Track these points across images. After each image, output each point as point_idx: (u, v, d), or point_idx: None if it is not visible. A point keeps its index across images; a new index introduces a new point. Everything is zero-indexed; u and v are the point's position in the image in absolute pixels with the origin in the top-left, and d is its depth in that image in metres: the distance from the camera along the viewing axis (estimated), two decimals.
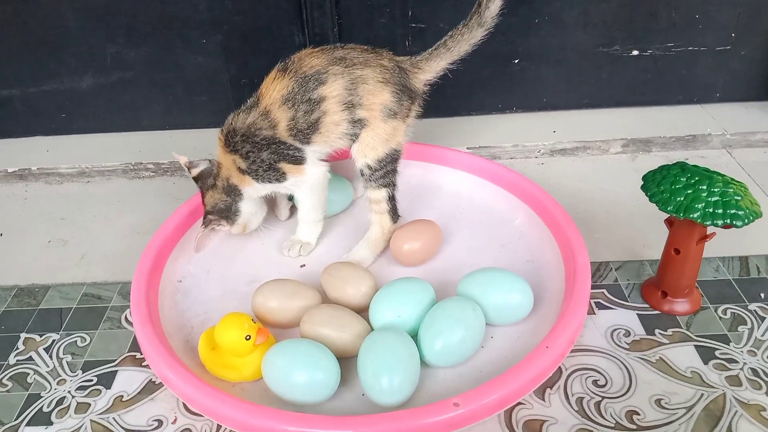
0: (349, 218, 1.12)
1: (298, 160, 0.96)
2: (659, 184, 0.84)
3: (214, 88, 1.33)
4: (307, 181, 0.98)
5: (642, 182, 0.87)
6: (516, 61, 1.30)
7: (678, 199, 0.81)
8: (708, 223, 0.80)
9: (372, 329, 0.85)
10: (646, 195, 0.85)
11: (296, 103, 0.93)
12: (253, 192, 0.99)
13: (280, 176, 0.97)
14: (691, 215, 0.80)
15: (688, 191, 0.81)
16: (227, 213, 1.00)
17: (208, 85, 1.33)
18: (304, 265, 1.02)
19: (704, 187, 0.81)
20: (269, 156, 0.95)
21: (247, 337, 0.80)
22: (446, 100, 1.35)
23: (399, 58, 1.00)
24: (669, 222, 0.88)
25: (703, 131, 1.27)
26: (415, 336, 0.83)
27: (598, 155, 1.27)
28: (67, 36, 1.26)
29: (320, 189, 1.01)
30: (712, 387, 0.80)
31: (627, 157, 1.27)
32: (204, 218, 1.01)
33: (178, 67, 1.30)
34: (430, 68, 1.02)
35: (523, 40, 1.27)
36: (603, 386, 0.81)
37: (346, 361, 0.82)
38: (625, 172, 1.23)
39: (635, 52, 1.29)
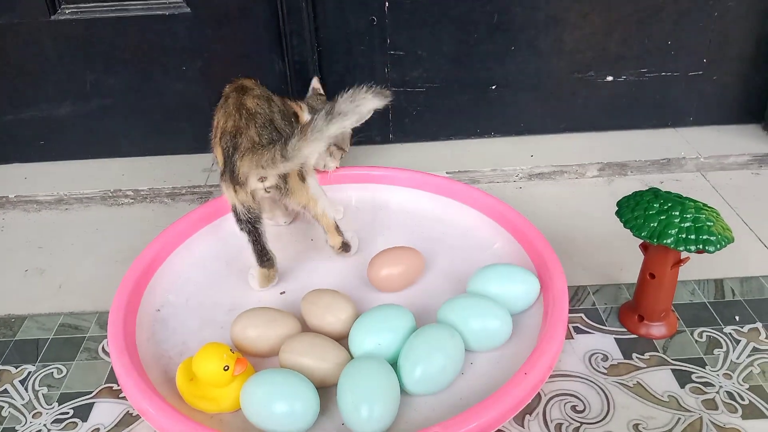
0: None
1: None
2: (633, 210, 0.86)
3: (194, 114, 1.33)
4: None
5: (617, 208, 0.89)
6: (493, 87, 1.32)
7: (651, 225, 0.83)
8: (681, 248, 0.81)
9: (352, 357, 0.85)
10: (621, 221, 0.86)
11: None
12: None
13: None
14: (665, 241, 0.81)
15: (662, 217, 0.83)
16: None
17: (188, 111, 1.33)
18: (283, 293, 1.02)
19: (677, 213, 0.82)
20: None
21: (226, 368, 0.79)
22: (425, 125, 1.36)
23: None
24: (644, 247, 0.90)
25: (678, 155, 1.30)
26: (394, 364, 0.83)
27: (574, 179, 1.29)
28: (46, 63, 1.26)
29: None
30: (689, 411, 0.81)
31: (603, 180, 1.29)
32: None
33: (158, 93, 1.31)
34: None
35: (500, 66, 1.29)
36: (581, 411, 0.81)
37: (327, 390, 0.82)
38: (601, 195, 1.24)
39: (609, 78, 1.32)
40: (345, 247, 1.05)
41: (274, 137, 0.96)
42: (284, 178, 0.98)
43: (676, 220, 0.82)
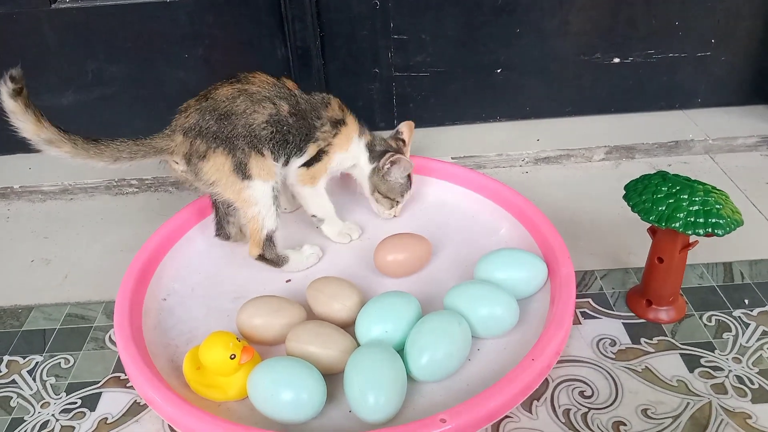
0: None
1: None
2: (641, 194, 0.84)
3: None
4: None
5: (624, 192, 0.88)
6: (498, 70, 1.30)
7: (660, 208, 0.82)
8: (690, 232, 0.80)
9: (358, 345, 0.85)
10: (629, 205, 0.85)
11: None
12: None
13: None
14: (673, 225, 0.80)
15: (670, 200, 0.82)
16: None
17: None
18: (289, 280, 1.01)
19: (685, 197, 0.81)
20: None
21: (232, 356, 0.79)
22: (430, 110, 1.35)
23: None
24: (652, 231, 0.89)
25: (686, 137, 1.28)
26: (401, 351, 0.83)
27: (581, 163, 1.28)
28: (47, 52, 1.26)
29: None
30: (698, 395, 0.80)
31: (610, 164, 1.27)
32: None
33: (160, 82, 1.30)
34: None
35: (505, 49, 1.28)
36: (589, 397, 0.81)
37: (333, 377, 0.82)
38: (608, 179, 1.23)
39: (616, 60, 1.30)
40: (265, 260, 0.99)
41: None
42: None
43: (684, 204, 0.81)
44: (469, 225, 1.10)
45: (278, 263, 1.00)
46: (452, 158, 1.26)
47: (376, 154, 1.07)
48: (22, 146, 1.34)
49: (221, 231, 1.05)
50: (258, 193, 0.95)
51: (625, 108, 1.35)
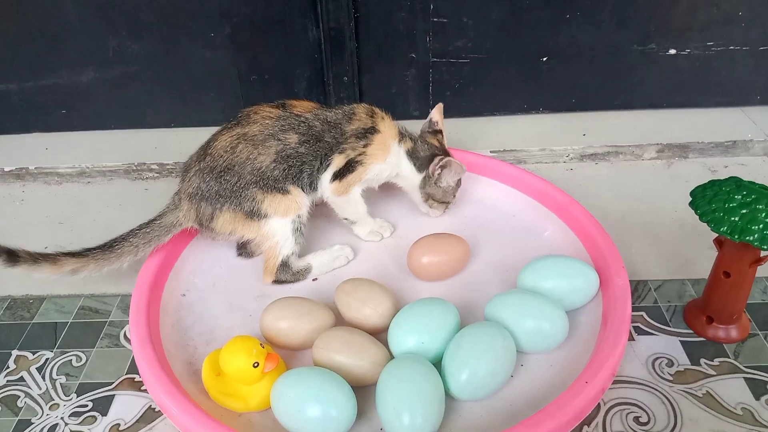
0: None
1: None
2: (710, 202, 0.76)
3: (222, 83, 1.25)
4: None
5: (690, 198, 0.80)
6: (544, 58, 1.21)
7: (732, 219, 0.73)
8: (766, 246, 0.72)
9: (391, 355, 0.78)
10: (696, 213, 0.77)
11: None
12: None
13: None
14: (748, 238, 0.72)
15: (744, 211, 0.73)
16: None
17: (216, 80, 1.25)
18: (316, 279, 0.94)
19: (762, 207, 0.73)
20: None
21: (256, 364, 0.73)
22: (468, 99, 1.27)
23: None
24: (718, 242, 0.80)
25: (744, 137, 1.19)
26: (437, 364, 0.76)
27: (630, 161, 1.19)
28: (68, 28, 1.19)
29: None
30: (766, 426, 0.72)
31: (662, 163, 1.19)
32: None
33: (184, 61, 1.23)
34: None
35: (553, 36, 1.19)
36: (645, 424, 0.73)
37: (363, 390, 0.75)
38: (660, 179, 1.14)
39: (672, 51, 1.21)
40: (281, 282, 0.93)
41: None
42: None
43: (761, 215, 0.72)
44: (509, 225, 1.02)
45: (299, 279, 0.94)
46: (491, 152, 1.18)
47: (422, 161, 0.98)
48: (38, 124, 1.30)
49: (243, 251, 0.98)
50: (275, 228, 0.90)
51: (678, 103, 1.26)
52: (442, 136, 1.03)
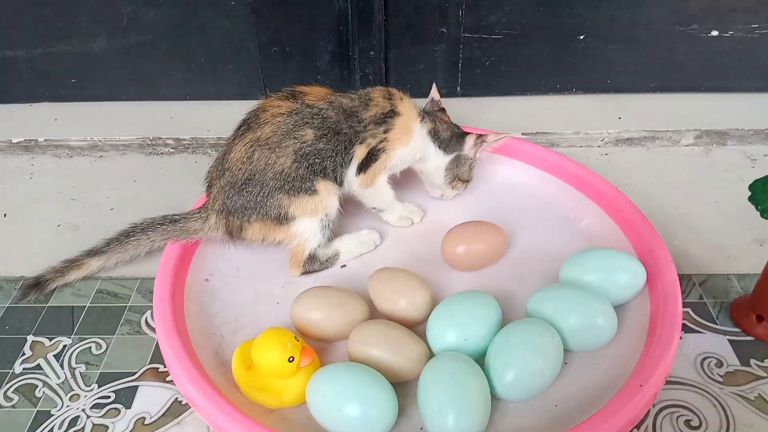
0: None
1: None
2: None
3: (240, 56, 1.19)
4: None
5: (749, 192, 0.75)
6: (581, 36, 1.16)
7: None
8: None
9: (430, 351, 0.74)
10: (757, 208, 0.73)
11: None
12: None
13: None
14: None
15: None
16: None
17: (235, 52, 1.19)
18: (344, 266, 0.90)
19: None
20: None
21: (291, 359, 0.69)
22: (499, 77, 1.21)
23: None
24: None
25: None
26: (479, 361, 0.72)
27: (667, 146, 1.14)
28: None
29: None
30: None
31: (700, 150, 1.14)
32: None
33: (202, 31, 1.16)
34: None
35: (591, 13, 1.13)
36: (697, 428, 0.70)
37: (400, 386, 0.72)
38: (698, 167, 1.10)
39: (714, 33, 1.15)
40: (306, 274, 0.89)
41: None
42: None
43: None
44: (544, 212, 0.98)
45: (327, 267, 0.90)
46: (523, 134, 1.13)
47: (445, 141, 0.93)
48: (47, 94, 1.24)
49: None
50: (303, 227, 0.86)
51: (718, 87, 1.21)
52: (445, 113, 0.98)
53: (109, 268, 0.89)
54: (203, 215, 0.88)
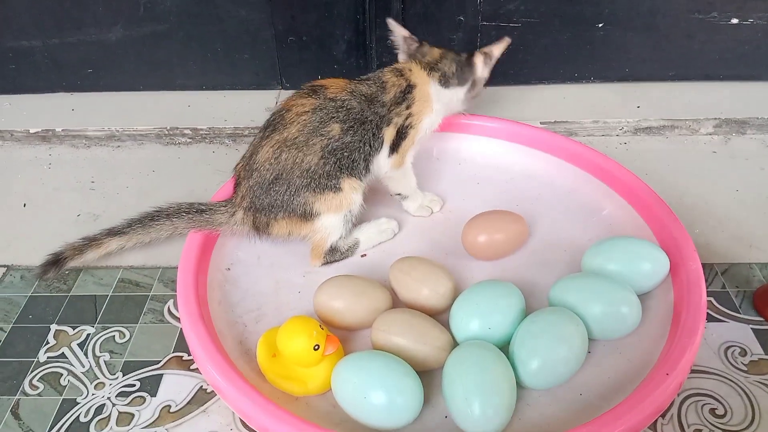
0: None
1: None
2: None
3: (257, 45, 1.19)
4: None
5: None
6: (600, 24, 1.15)
7: None
8: None
9: (454, 340, 0.75)
10: None
11: None
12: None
13: None
14: None
15: None
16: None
17: (251, 41, 1.19)
18: (365, 255, 0.90)
19: None
20: None
21: (316, 347, 0.69)
22: (517, 66, 1.21)
23: None
24: None
25: None
26: (503, 350, 0.72)
27: (686, 136, 1.14)
28: None
29: None
30: None
31: (719, 139, 1.13)
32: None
33: (218, 20, 1.16)
34: None
35: (610, 1, 1.12)
36: (722, 416, 0.70)
37: (425, 375, 0.72)
38: (718, 156, 1.09)
39: (734, 20, 1.14)
40: (328, 264, 0.89)
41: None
42: None
43: None
44: (565, 202, 0.97)
45: (347, 256, 0.90)
46: (541, 123, 1.13)
47: (455, 77, 0.92)
48: (65, 84, 1.24)
49: None
50: (327, 223, 0.86)
51: (737, 76, 1.20)
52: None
53: (127, 249, 0.89)
54: (230, 210, 0.87)
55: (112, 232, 0.88)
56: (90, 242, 0.87)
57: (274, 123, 0.85)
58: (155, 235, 0.89)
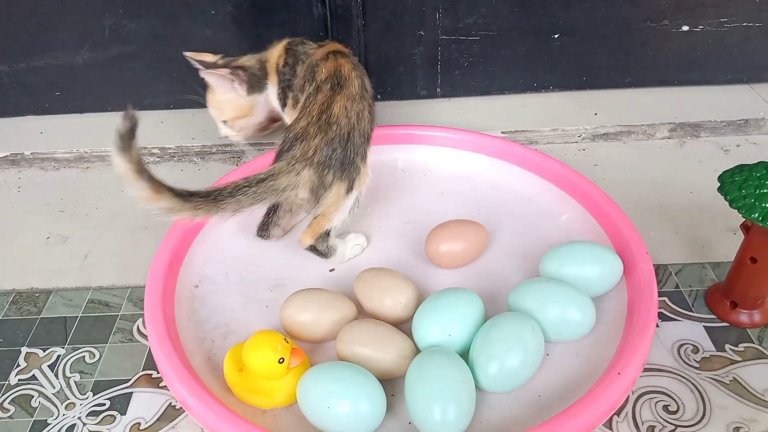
0: (384, 216, 1.02)
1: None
2: (741, 188, 0.75)
3: None
4: None
5: (719, 183, 0.78)
6: (556, 35, 1.19)
7: (765, 205, 0.72)
8: None
9: (416, 347, 0.77)
10: (726, 199, 0.76)
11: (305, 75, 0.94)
12: (270, 91, 1.02)
13: (284, 104, 1.00)
14: None
15: None
16: (253, 80, 1.01)
17: None
18: (333, 270, 0.92)
19: None
20: (299, 83, 0.96)
21: (281, 360, 0.71)
22: (477, 77, 1.24)
23: None
24: (745, 227, 0.79)
25: (756, 115, 1.17)
26: (464, 356, 0.75)
27: (643, 140, 1.17)
28: (60, 6, 1.13)
29: None
30: None
31: (674, 142, 1.17)
32: (234, 68, 1.01)
33: (184, 40, 1.18)
34: None
35: (566, 13, 1.16)
36: (675, 412, 0.73)
37: (389, 383, 0.74)
38: (674, 159, 1.13)
39: (685, 28, 1.18)
40: (314, 250, 0.90)
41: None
42: None
43: None
44: (525, 210, 1.00)
45: (326, 255, 0.91)
46: (502, 132, 1.16)
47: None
48: (32, 107, 1.25)
49: (265, 232, 0.95)
50: (348, 203, 0.88)
51: (690, 81, 1.24)
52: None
53: (174, 219, 0.77)
54: (293, 170, 0.83)
55: (172, 190, 0.76)
56: (152, 178, 0.76)
57: (338, 81, 0.87)
58: (214, 216, 0.79)
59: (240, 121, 1.06)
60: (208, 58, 1.03)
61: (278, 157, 0.86)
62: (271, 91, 1.02)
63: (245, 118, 1.06)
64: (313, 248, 0.90)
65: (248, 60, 1.03)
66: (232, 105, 1.04)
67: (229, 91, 1.02)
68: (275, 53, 1.01)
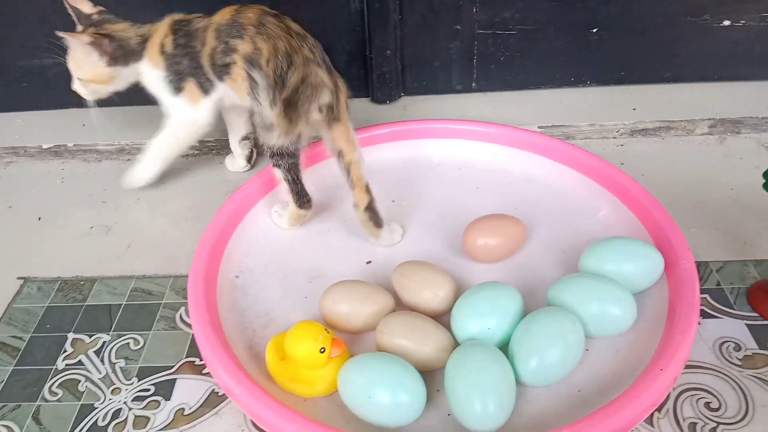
0: (420, 210, 1.02)
1: (204, 89, 0.96)
2: None
3: None
4: (190, 114, 0.99)
5: (763, 180, 0.77)
6: (594, 30, 1.18)
7: None
8: None
9: (455, 340, 0.77)
10: None
11: (221, 37, 0.91)
12: (145, 70, 0.98)
13: (177, 88, 0.97)
14: None
15: None
16: (118, 52, 0.97)
17: None
18: (370, 262, 0.93)
19: None
20: (187, 64, 0.95)
21: (322, 350, 0.72)
22: (514, 72, 1.23)
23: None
24: None
25: None
26: (503, 349, 0.75)
27: (682, 136, 1.16)
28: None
29: (188, 138, 1.05)
30: None
31: (714, 139, 1.15)
32: (100, 36, 0.95)
33: None
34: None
35: (604, 7, 1.15)
36: (717, 410, 0.72)
37: (428, 375, 0.74)
38: (713, 156, 1.12)
39: (726, 23, 1.16)
40: (372, 212, 0.91)
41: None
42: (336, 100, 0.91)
43: None
44: (562, 205, 1.00)
45: (379, 224, 0.92)
46: (539, 127, 1.15)
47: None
48: (74, 101, 1.27)
49: (305, 199, 0.96)
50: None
51: (731, 77, 1.22)
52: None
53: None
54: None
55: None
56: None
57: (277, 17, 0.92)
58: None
59: (94, 85, 1.01)
60: (86, 8, 0.98)
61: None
62: (148, 71, 0.98)
63: (101, 85, 1.01)
64: (370, 208, 0.91)
65: (125, 29, 0.97)
66: (89, 68, 0.98)
67: (89, 55, 0.97)
68: (160, 32, 0.96)
